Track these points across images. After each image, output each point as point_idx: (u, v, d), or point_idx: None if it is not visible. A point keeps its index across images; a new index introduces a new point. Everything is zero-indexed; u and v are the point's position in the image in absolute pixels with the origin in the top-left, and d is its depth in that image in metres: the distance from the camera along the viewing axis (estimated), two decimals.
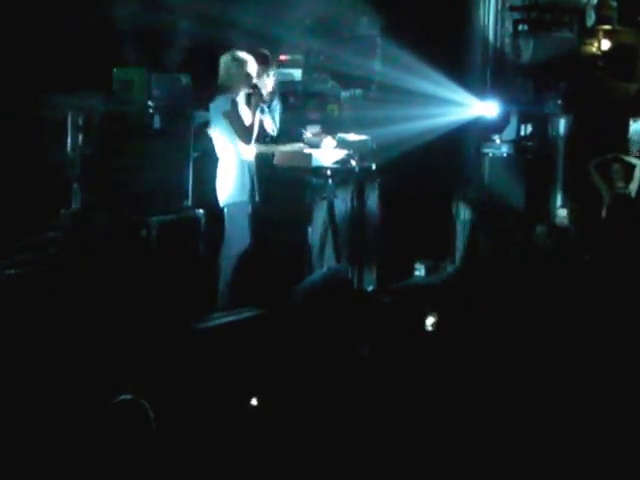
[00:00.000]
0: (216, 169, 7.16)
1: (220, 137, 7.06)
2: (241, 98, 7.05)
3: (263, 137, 7.50)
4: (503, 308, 7.30)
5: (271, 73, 7.58)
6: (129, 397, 4.60)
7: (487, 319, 7.01)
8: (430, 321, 8.38)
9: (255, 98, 7.08)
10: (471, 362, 6.10)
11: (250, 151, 7.10)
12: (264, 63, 7.48)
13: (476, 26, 10.66)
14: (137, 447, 4.37)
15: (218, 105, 7.01)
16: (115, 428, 4.45)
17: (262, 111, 7.42)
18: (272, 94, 7.65)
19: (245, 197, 7.03)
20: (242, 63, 7.00)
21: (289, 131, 7.87)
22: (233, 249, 7.03)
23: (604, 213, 9.90)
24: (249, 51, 7.26)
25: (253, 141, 7.07)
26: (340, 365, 6.10)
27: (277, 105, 7.72)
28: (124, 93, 7.20)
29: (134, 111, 7.20)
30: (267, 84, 7.50)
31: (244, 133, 6.98)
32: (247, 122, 7.00)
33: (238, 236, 7.03)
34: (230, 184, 7.03)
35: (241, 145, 7.01)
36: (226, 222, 7.06)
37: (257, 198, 7.12)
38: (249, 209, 7.08)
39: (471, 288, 8.57)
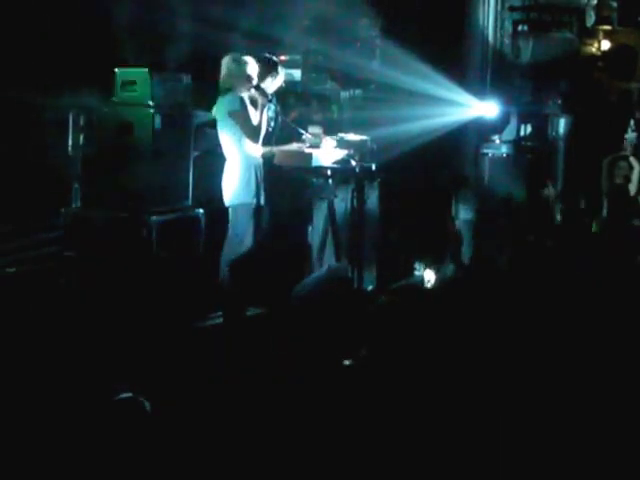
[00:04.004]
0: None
1: (226, 137, 7.04)
2: (246, 98, 7.05)
3: (269, 137, 7.51)
4: (503, 307, 7.31)
5: (277, 75, 7.56)
6: (128, 395, 4.61)
7: (487, 318, 7.02)
8: (428, 275, 8.39)
9: (261, 98, 7.09)
10: (471, 361, 6.10)
11: (257, 151, 7.10)
12: (269, 67, 7.49)
13: (476, 27, 10.69)
14: (136, 445, 4.38)
15: (223, 105, 7.00)
16: (114, 426, 4.45)
17: (269, 110, 7.44)
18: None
19: (250, 198, 7.04)
20: (242, 64, 7.00)
21: (289, 131, 7.88)
22: (235, 249, 7.04)
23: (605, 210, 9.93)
24: (249, 51, 7.28)
25: (261, 140, 7.08)
26: (340, 365, 6.11)
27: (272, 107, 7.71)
28: (125, 93, 7.21)
29: (135, 111, 7.22)
30: (271, 86, 7.51)
31: (252, 132, 6.98)
32: (254, 122, 7.01)
33: (241, 236, 7.03)
34: (236, 185, 7.03)
35: (248, 145, 7.01)
36: (230, 222, 7.05)
37: (262, 199, 7.12)
38: (253, 210, 7.08)
39: (472, 287, 8.58)
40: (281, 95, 7.94)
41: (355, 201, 7.94)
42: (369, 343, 6.44)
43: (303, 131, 7.89)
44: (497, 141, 10.51)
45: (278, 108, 7.79)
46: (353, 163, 7.82)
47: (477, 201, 10.27)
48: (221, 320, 7.06)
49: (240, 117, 6.94)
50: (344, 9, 9.97)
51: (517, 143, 10.57)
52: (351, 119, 9.42)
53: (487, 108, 10.37)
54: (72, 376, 5.47)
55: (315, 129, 8.12)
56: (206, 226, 7.51)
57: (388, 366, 6.00)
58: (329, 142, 7.83)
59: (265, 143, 7.27)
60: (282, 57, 8.72)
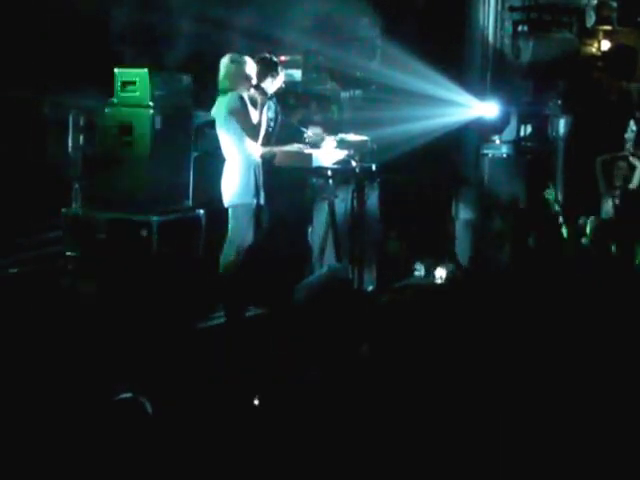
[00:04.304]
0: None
1: (226, 137, 7.04)
2: (246, 97, 7.06)
3: (269, 138, 7.51)
4: (505, 309, 7.31)
5: (277, 76, 7.56)
6: (129, 395, 4.61)
7: (489, 319, 7.02)
8: (440, 273, 8.40)
9: (260, 97, 7.10)
10: (472, 362, 6.11)
11: (256, 150, 7.11)
12: (269, 67, 7.50)
13: (476, 27, 10.68)
14: (136, 445, 4.38)
15: (223, 104, 7.00)
16: (115, 426, 4.46)
17: (269, 110, 7.45)
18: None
19: (249, 198, 7.04)
20: (240, 64, 7.01)
21: (290, 132, 7.88)
22: (235, 249, 7.05)
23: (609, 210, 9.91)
24: (249, 51, 7.29)
25: (260, 139, 7.09)
26: (340, 365, 6.11)
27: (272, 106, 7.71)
28: (125, 93, 7.23)
29: (135, 111, 7.23)
30: (271, 86, 7.51)
31: (252, 131, 6.99)
32: (254, 120, 7.02)
33: (241, 237, 7.04)
34: (235, 185, 7.03)
35: (248, 145, 7.02)
36: (230, 222, 7.06)
37: (261, 199, 7.13)
38: (253, 210, 7.09)
39: (474, 288, 8.59)
40: (281, 95, 7.95)
41: (355, 201, 7.96)
42: (371, 342, 6.45)
43: (305, 129, 7.89)
44: (497, 141, 10.51)
45: (278, 108, 7.79)
46: (353, 163, 7.84)
47: (477, 201, 10.28)
48: (221, 320, 7.07)
49: (240, 116, 6.95)
50: (344, 9, 9.97)
51: (517, 143, 10.56)
52: (351, 119, 9.43)
53: (487, 108, 10.37)
54: (73, 377, 5.48)
55: (316, 130, 8.13)
56: (206, 226, 7.52)
57: (391, 365, 6.00)
58: (330, 142, 7.84)
59: (265, 143, 7.27)
60: (283, 57, 8.72)
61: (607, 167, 10.06)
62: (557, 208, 7.94)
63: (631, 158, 10.07)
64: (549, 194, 7.99)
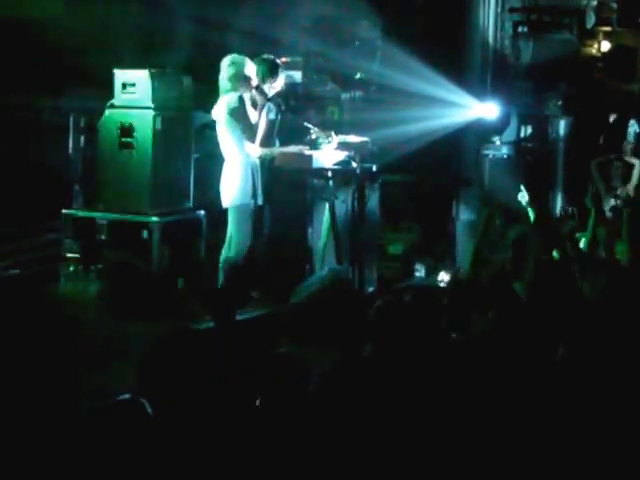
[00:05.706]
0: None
1: (226, 137, 7.06)
2: (246, 97, 7.08)
3: (269, 138, 7.50)
4: (507, 310, 7.29)
5: (278, 77, 7.56)
6: (128, 396, 4.61)
7: (491, 319, 7.00)
8: (442, 277, 8.38)
9: (260, 98, 7.11)
10: (474, 363, 6.09)
11: (255, 151, 7.12)
12: (270, 69, 7.50)
13: (476, 28, 10.70)
14: (136, 446, 4.38)
15: (223, 104, 7.02)
16: (114, 427, 4.45)
17: (270, 111, 7.46)
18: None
19: (247, 199, 7.05)
20: (241, 66, 7.03)
21: (290, 133, 7.89)
22: (235, 250, 7.06)
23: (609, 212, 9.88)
24: (250, 53, 7.30)
25: (259, 141, 7.10)
26: (341, 365, 6.10)
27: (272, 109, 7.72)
28: (126, 95, 7.24)
29: (136, 113, 7.24)
30: (271, 88, 7.52)
31: (250, 131, 7.01)
32: (252, 121, 7.04)
33: (241, 237, 7.05)
34: (235, 185, 7.04)
35: (247, 146, 7.04)
36: (229, 223, 7.07)
37: (259, 199, 7.14)
38: (251, 210, 7.10)
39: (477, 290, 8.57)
40: (282, 97, 7.95)
41: (356, 202, 7.95)
42: (372, 342, 6.44)
43: (311, 125, 7.87)
44: (497, 142, 10.51)
45: (283, 107, 7.78)
46: (354, 164, 7.83)
47: (478, 202, 10.27)
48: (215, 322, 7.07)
49: (239, 115, 6.97)
50: (345, 10, 9.99)
51: (517, 144, 10.57)
52: (352, 121, 9.43)
53: (487, 109, 10.38)
54: (72, 377, 5.48)
55: (326, 132, 8.10)
56: (207, 227, 7.53)
57: (392, 366, 5.99)
58: (335, 142, 7.82)
59: (265, 145, 7.28)
60: (283, 59, 8.72)
61: (603, 168, 10.04)
62: (531, 213, 7.74)
63: (627, 158, 10.04)
64: (521, 197, 7.74)
